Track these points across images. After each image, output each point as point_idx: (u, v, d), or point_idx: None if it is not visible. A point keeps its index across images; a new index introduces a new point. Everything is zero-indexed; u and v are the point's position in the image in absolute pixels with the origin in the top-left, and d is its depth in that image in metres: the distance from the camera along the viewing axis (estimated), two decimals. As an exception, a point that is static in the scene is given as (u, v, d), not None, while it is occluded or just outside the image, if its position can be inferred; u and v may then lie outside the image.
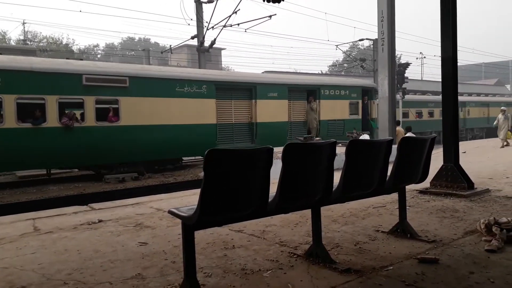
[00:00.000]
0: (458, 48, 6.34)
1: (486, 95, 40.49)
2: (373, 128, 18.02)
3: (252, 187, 2.63)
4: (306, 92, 16.64)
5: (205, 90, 13.57)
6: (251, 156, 2.60)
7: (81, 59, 13.93)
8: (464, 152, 12.18)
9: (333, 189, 3.13)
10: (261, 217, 3.07)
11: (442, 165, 6.30)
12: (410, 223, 3.97)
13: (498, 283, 2.77)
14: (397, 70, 20.35)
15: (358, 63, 30.46)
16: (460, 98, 30.73)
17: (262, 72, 26.74)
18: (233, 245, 3.73)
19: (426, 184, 5.79)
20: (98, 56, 60.00)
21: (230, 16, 17.81)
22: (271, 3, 5.83)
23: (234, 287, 2.81)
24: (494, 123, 17.18)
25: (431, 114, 28.76)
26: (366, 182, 3.38)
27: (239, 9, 17.41)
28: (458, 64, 6.43)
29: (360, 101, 18.03)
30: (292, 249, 3.58)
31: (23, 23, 45.48)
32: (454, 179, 6.09)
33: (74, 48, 54.24)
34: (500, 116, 16.38)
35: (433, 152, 3.92)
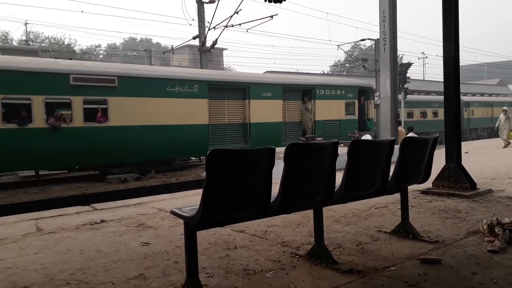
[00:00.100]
0: (460, 48, 6.33)
1: (490, 95, 40.46)
2: (370, 129, 17.83)
3: (254, 187, 2.64)
4: (301, 92, 16.41)
5: (197, 90, 13.33)
6: (253, 156, 2.60)
7: (70, 59, 13.64)
8: (467, 153, 12.15)
9: (335, 189, 3.12)
10: (263, 218, 3.07)
11: (444, 165, 6.29)
12: (412, 223, 3.97)
13: (501, 283, 2.76)
14: (399, 70, 20.34)
15: (360, 63, 30.43)
16: (464, 98, 30.97)
17: (264, 72, 26.76)
18: (235, 246, 3.74)
19: (428, 184, 5.78)
20: (100, 56, 60.11)
21: (231, 16, 17.84)
22: (272, 3, 5.83)
23: (236, 287, 2.81)
24: (497, 124, 17.08)
25: (435, 114, 28.76)
26: (368, 182, 3.38)
27: (240, 9, 17.44)
28: (460, 64, 6.42)
29: (356, 101, 17.76)
30: (294, 249, 3.58)
31: (25, 24, 45.63)
32: (457, 179, 6.08)
33: (76, 48, 54.37)
34: (502, 116, 16.33)
35: (436, 152, 3.91)
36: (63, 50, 45.68)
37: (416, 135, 10.28)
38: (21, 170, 12.37)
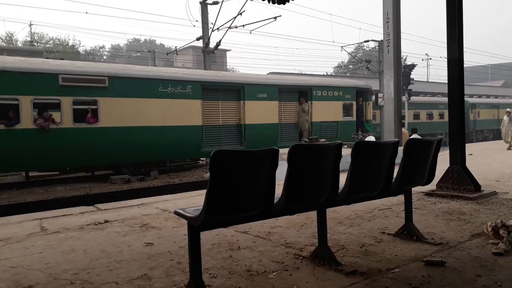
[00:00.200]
0: (464, 49, 6.30)
1: (496, 96, 40.41)
2: (368, 131, 17.58)
3: (257, 188, 2.64)
4: (298, 93, 16.17)
5: (190, 91, 13.14)
6: (256, 157, 2.60)
7: (62, 59, 13.52)
8: (471, 154, 12.09)
9: (339, 190, 3.12)
10: (267, 218, 3.07)
11: (449, 167, 6.26)
12: (416, 225, 3.96)
13: (506, 286, 2.75)
14: (403, 72, 20.29)
15: (363, 64, 30.38)
16: (470, 100, 31.07)
17: (267, 74, 26.75)
18: (239, 246, 3.74)
19: (432, 186, 5.77)
20: (104, 57, 60.37)
21: (235, 17, 17.86)
22: (276, 4, 5.83)
23: (239, 288, 2.82)
24: (501, 126, 16.96)
25: (441, 116, 28.74)
26: (372, 184, 3.37)
27: (244, 11, 17.43)
28: (464, 65, 6.40)
29: (354, 103, 17.52)
30: (297, 250, 3.58)
31: (30, 25, 45.92)
32: (461, 181, 6.05)
33: (80, 49, 54.68)
34: (505, 118, 16.23)
35: (440, 154, 3.90)
36: (68, 51, 45.96)
37: (419, 137, 10.25)
38: (10, 171, 12.16)
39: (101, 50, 63.07)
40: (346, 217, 4.76)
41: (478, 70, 67.13)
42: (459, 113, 6.25)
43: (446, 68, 6.35)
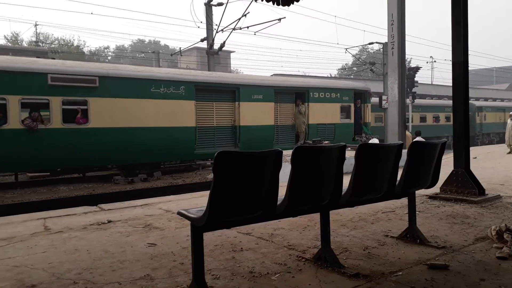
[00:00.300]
0: (469, 52, 6.27)
1: (502, 100, 40.41)
2: (366, 133, 17.36)
3: (261, 189, 2.64)
4: (294, 95, 15.89)
5: (183, 91, 12.91)
6: (260, 158, 2.60)
7: (53, 58, 13.37)
8: (475, 158, 12.03)
9: (342, 193, 3.11)
10: (270, 220, 3.06)
11: (453, 170, 6.23)
12: (419, 228, 3.94)
13: (510, 290, 2.73)
14: (407, 74, 20.27)
15: (367, 66, 30.32)
16: (476, 103, 31.13)
17: (271, 75, 26.76)
18: (241, 248, 3.74)
19: (436, 189, 5.74)
20: (109, 58, 60.64)
21: (239, 19, 17.88)
22: (280, 6, 5.84)
23: (242, 289, 2.81)
24: (506, 130, 16.87)
25: (447, 118, 28.74)
26: (376, 186, 3.36)
27: (248, 12, 17.47)
28: (469, 68, 6.37)
29: (352, 105, 17.18)
30: (300, 252, 3.57)
31: (35, 25, 46.29)
32: (465, 184, 6.02)
33: (85, 49, 54.95)
34: (509, 121, 16.14)
35: (444, 157, 3.89)
36: (72, 51, 46.21)
37: (423, 140, 10.22)
38: None
39: (105, 50, 63.39)
40: (349, 220, 4.75)
41: (483, 73, 66.86)
42: (463, 116, 6.22)
43: (451, 71, 6.33)
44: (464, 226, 4.43)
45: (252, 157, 2.58)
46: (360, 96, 17.75)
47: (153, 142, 12.40)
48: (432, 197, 6.05)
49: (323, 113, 16.33)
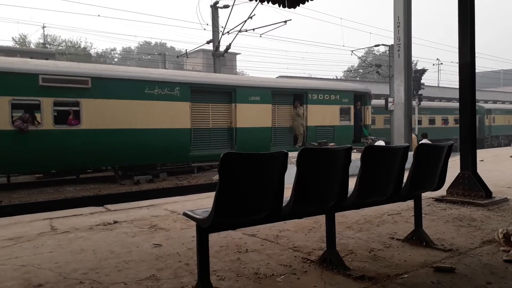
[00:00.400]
0: (476, 54, 6.23)
1: (511, 102, 40.27)
2: (366, 136, 17.08)
3: (266, 191, 2.64)
4: (292, 96, 15.71)
5: (178, 93, 12.74)
6: (266, 160, 2.61)
7: (47, 59, 13.31)
8: (482, 161, 11.93)
9: (348, 195, 3.11)
10: (275, 222, 3.06)
11: (459, 173, 6.19)
12: (425, 231, 3.92)
13: (517, 294, 2.71)
14: (413, 76, 20.19)
15: (373, 69, 30.23)
16: (485, 106, 31.06)
17: (277, 77, 26.77)
18: (246, 249, 3.74)
19: (442, 192, 5.70)
20: (115, 60, 61.02)
21: (245, 21, 17.94)
22: (286, 8, 5.85)
23: (247, 291, 2.82)
24: None
25: (456, 121, 28.69)
26: (382, 188, 3.35)
27: (254, 14, 17.52)
28: (476, 70, 6.33)
29: (352, 107, 16.97)
30: (305, 254, 3.57)
31: (43, 27, 46.77)
32: (471, 187, 5.98)
33: (92, 51, 55.32)
34: None
35: (450, 159, 3.87)
36: (79, 53, 46.55)
37: (430, 142, 10.16)
38: None
39: (112, 52, 63.80)
40: (355, 222, 4.73)
41: (490, 76, 66.37)
42: (470, 118, 6.18)
43: (457, 73, 6.29)
44: (470, 229, 4.40)
45: (258, 159, 2.58)
46: (361, 98, 17.56)
47: (147, 143, 12.25)
48: (439, 200, 6.02)
49: (322, 115, 16.14)
